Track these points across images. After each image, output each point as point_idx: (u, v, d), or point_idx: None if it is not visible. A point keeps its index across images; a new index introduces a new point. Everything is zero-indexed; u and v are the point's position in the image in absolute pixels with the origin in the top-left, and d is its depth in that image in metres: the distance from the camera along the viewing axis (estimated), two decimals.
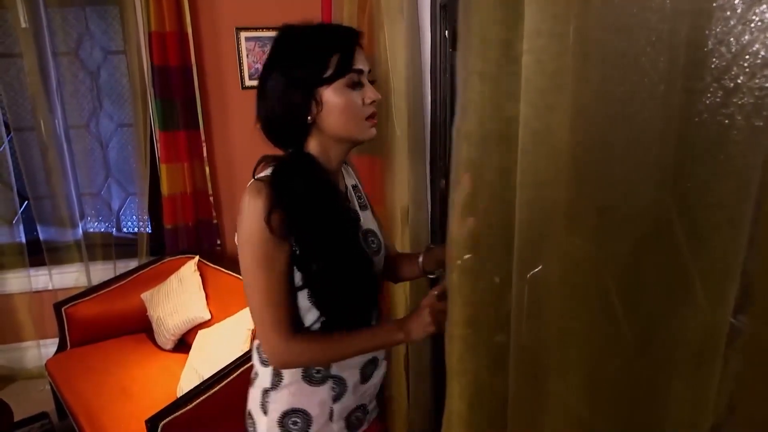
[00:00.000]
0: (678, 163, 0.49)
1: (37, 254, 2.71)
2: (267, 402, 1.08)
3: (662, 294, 0.53)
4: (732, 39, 0.43)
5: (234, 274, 2.33)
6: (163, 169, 2.58)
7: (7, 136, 2.68)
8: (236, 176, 2.74)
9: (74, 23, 2.66)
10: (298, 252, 0.95)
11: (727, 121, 0.44)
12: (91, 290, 2.46)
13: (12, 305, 2.77)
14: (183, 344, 2.39)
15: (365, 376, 1.12)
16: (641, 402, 0.57)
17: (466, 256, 0.60)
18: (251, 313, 0.98)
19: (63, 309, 2.37)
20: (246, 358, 1.90)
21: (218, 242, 2.77)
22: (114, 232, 2.86)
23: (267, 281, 0.95)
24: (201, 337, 2.19)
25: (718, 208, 0.47)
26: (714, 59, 0.44)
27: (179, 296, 2.39)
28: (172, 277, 2.47)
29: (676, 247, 0.49)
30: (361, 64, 0.97)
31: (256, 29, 2.59)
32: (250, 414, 1.13)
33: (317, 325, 1.03)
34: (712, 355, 0.49)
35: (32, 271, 2.73)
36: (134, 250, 2.73)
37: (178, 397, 1.84)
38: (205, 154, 2.64)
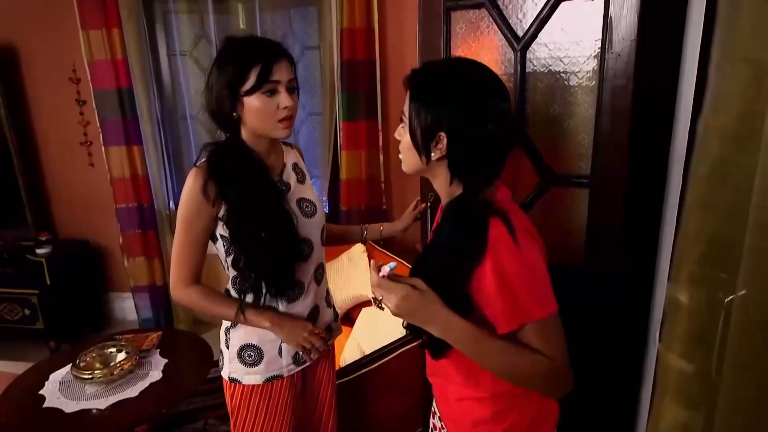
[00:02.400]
0: None
1: None
2: (228, 338, 1.36)
3: None
4: None
5: (400, 260, 2.43)
6: (343, 156, 2.79)
7: None
8: None
9: (281, 23, 3.02)
10: (226, 216, 1.21)
11: None
12: None
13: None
14: (348, 318, 2.57)
15: (309, 320, 1.35)
16: None
17: (698, 257, 0.52)
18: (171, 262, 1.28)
19: None
20: (404, 341, 1.97)
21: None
22: None
23: (184, 238, 1.24)
24: (364, 315, 2.33)
25: None
26: None
27: (348, 274, 2.58)
28: (343, 255, 2.67)
29: None
30: (279, 75, 1.17)
31: None
32: (220, 350, 1.40)
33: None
34: None
35: None
36: None
37: (341, 366, 2.00)
38: (380, 143, 2.79)
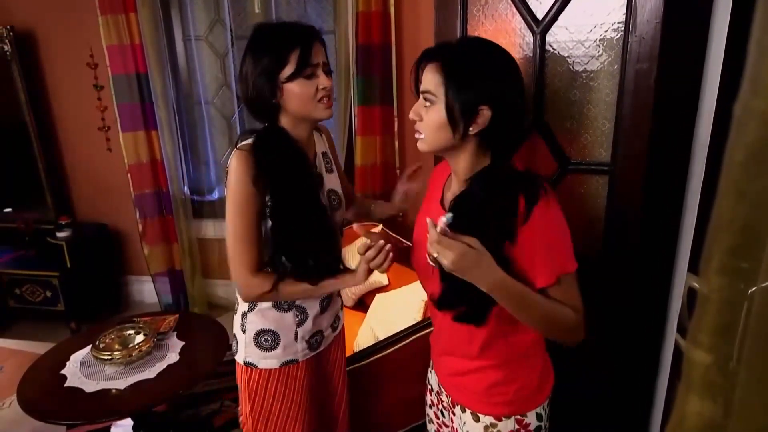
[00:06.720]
0: None
1: None
2: (245, 323, 1.35)
3: None
4: None
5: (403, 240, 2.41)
6: (358, 141, 2.77)
7: (238, 107, 3.19)
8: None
9: (296, 7, 2.99)
10: (271, 205, 1.20)
11: None
12: None
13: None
14: (362, 304, 2.58)
15: (323, 307, 1.39)
16: None
17: (731, 245, 0.49)
18: (228, 252, 1.24)
19: None
20: (417, 327, 1.97)
21: (400, 213, 2.89)
22: None
23: (240, 225, 1.20)
24: (378, 301, 2.34)
25: None
26: None
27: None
28: (358, 240, 2.67)
29: None
30: (317, 58, 1.18)
31: None
32: (234, 335, 1.41)
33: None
34: None
35: None
36: None
37: (355, 351, 2.01)
38: (396, 128, 2.77)
